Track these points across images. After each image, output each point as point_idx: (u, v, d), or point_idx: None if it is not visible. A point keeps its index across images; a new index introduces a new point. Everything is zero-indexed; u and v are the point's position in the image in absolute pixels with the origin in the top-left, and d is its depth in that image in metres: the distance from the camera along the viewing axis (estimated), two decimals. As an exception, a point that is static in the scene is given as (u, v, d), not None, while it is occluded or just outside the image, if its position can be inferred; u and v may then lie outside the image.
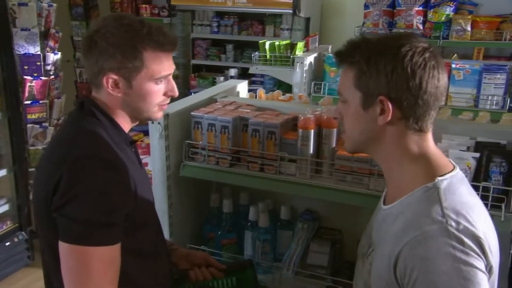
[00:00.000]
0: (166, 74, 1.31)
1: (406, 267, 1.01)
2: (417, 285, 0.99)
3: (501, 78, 3.09)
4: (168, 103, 1.40)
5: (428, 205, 1.04)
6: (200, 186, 2.01)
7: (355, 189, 1.61)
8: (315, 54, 3.83)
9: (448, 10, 4.53)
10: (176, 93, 1.36)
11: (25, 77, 3.49)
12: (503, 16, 4.44)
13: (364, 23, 4.78)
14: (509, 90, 3.19)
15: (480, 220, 1.04)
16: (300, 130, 1.67)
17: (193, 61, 5.80)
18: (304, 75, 3.61)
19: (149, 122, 1.75)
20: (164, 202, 1.86)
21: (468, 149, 1.55)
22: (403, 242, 1.02)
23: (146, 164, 1.95)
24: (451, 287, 0.96)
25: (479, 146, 1.53)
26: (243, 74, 5.16)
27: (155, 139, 1.80)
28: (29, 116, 3.56)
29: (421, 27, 4.60)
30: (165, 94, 1.34)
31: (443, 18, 4.54)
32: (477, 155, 1.49)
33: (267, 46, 4.06)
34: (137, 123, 1.40)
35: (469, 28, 4.46)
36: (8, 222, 3.48)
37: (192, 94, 2.55)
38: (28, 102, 3.54)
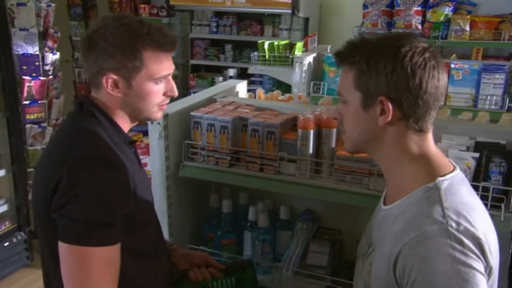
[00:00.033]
0: (165, 74, 1.31)
1: (405, 267, 1.01)
2: (415, 285, 0.99)
3: (500, 78, 3.09)
4: (168, 103, 1.39)
5: (429, 205, 1.04)
6: (199, 186, 2.00)
7: (354, 189, 1.61)
8: (314, 54, 3.83)
9: (447, 10, 4.53)
10: (176, 93, 1.36)
11: (24, 77, 3.48)
12: (501, 16, 4.45)
13: (363, 23, 4.78)
14: (508, 90, 3.19)
15: (481, 221, 1.04)
16: (299, 130, 1.67)
17: (192, 61, 5.80)
18: (303, 75, 3.62)
19: (149, 122, 1.75)
20: (164, 202, 1.86)
21: (467, 149, 1.55)
22: (403, 242, 1.02)
23: (146, 164, 1.95)
24: None
25: (478, 146, 1.53)
26: (242, 74, 5.16)
27: (155, 139, 1.80)
28: (27, 116, 3.55)
29: (419, 27, 4.61)
30: (164, 94, 1.34)
31: (441, 18, 4.54)
32: (477, 155, 1.49)
33: (266, 46, 4.06)
34: (136, 123, 1.40)
35: (467, 28, 4.47)
36: (7, 223, 3.48)
37: (192, 94, 2.55)
38: (27, 102, 3.53)
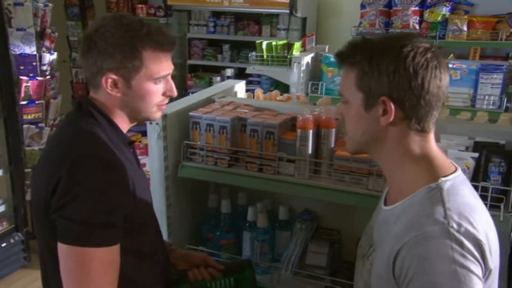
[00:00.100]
0: (165, 74, 1.31)
1: (403, 265, 1.01)
2: (411, 283, 0.99)
3: (497, 78, 3.10)
4: (167, 103, 1.39)
5: (431, 205, 1.04)
6: (198, 187, 2.00)
7: (353, 189, 1.61)
8: (312, 54, 3.84)
9: (444, 10, 4.54)
10: (175, 93, 1.36)
11: (21, 77, 3.47)
12: (499, 16, 4.46)
13: (360, 23, 4.79)
14: (506, 90, 3.21)
15: (482, 222, 1.04)
16: (298, 130, 1.67)
17: (190, 61, 5.80)
18: (301, 75, 3.62)
19: (147, 123, 1.75)
20: (162, 202, 1.85)
21: (466, 149, 1.55)
22: (403, 242, 1.02)
23: (144, 164, 1.95)
24: None
25: (477, 146, 1.54)
26: (240, 74, 5.15)
27: (153, 140, 1.79)
28: (25, 117, 3.54)
29: (417, 27, 4.62)
30: (164, 94, 1.34)
31: (439, 18, 4.55)
32: (476, 155, 1.50)
33: (264, 46, 4.06)
34: (135, 123, 1.40)
35: (465, 28, 4.48)
36: (4, 223, 3.46)
37: (190, 94, 2.55)
38: (24, 102, 3.52)
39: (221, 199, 1.97)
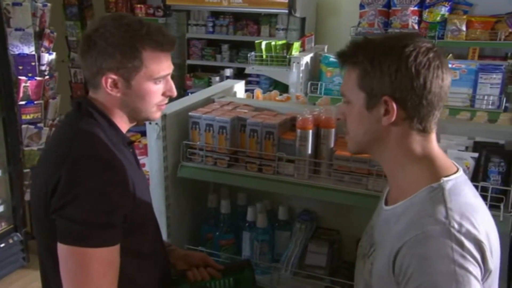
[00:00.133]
0: (165, 74, 1.31)
1: (402, 264, 1.01)
2: (410, 282, 0.99)
3: (497, 78, 3.10)
4: (166, 104, 1.39)
5: (432, 205, 1.04)
6: (197, 187, 2.00)
7: (353, 189, 1.61)
8: (311, 54, 3.83)
9: (443, 10, 4.55)
10: (175, 93, 1.36)
11: (20, 77, 3.47)
12: (498, 16, 4.47)
13: (359, 23, 4.80)
14: (505, 90, 3.21)
15: (484, 222, 1.04)
16: (298, 131, 1.67)
17: (188, 61, 5.79)
18: (301, 75, 3.62)
19: (147, 123, 1.74)
20: (162, 203, 1.85)
21: (466, 149, 1.55)
22: (404, 240, 1.02)
23: (144, 164, 1.94)
24: None
25: (477, 146, 1.54)
26: (239, 74, 5.16)
27: (153, 140, 1.79)
28: (23, 117, 3.54)
29: (416, 27, 4.62)
30: (163, 94, 1.34)
31: (438, 18, 4.56)
32: (476, 155, 1.50)
33: (263, 46, 4.05)
34: (135, 123, 1.39)
35: (464, 28, 4.48)
36: (3, 224, 3.46)
37: (189, 94, 2.54)
38: (23, 102, 3.51)
39: (220, 199, 1.97)
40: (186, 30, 5.69)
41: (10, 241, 3.45)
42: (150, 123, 1.76)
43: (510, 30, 4.39)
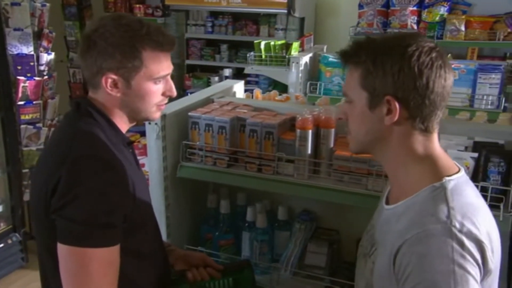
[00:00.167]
0: (165, 74, 1.31)
1: (402, 262, 1.01)
2: (409, 279, 0.99)
3: (496, 78, 3.10)
4: (166, 104, 1.39)
5: (434, 204, 1.04)
6: (197, 187, 2.00)
7: (353, 189, 1.61)
8: (310, 54, 3.83)
9: (442, 10, 4.55)
10: (175, 93, 1.36)
11: (19, 77, 3.46)
12: (496, 16, 4.47)
13: (358, 23, 4.79)
14: (504, 90, 3.21)
15: (485, 222, 1.04)
16: (298, 131, 1.67)
17: (187, 61, 5.79)
18: (300, 75, 3.61)
19: (146, 123, 1.74)
20: (161, 203, 1.85)
21: (466, 149, 1.55)
22: (405, 238, 1.02)
23: (143, 165, 1.94)
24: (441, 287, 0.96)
25: (477, 146, 1.54)
26: (238, 74, 5.15)
27: (152, 140, 1.79)
28: (22, 117, 3.53)
29: (415, 27, 4.62)
30: (163, 94, 1.33)
31: (437, 18, 4.56)
32: (475, 155, 1.50)
33: (262, 46, 4.05)
34: (134, 123, 1.39)
35: (463, 28, 4.49)
36: (2, 224, 3.46)
37: (188, 94, 2.54)
38: (22, 102, 3.51)
39: (220, 199, 1.97)
40: (185, 30, 5.68)
41: (9, 241, 3.45)
42: (149, 123, 1.75)
43: (509, 30, 4.40)
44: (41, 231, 1.28)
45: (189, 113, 1.81)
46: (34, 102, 3.57)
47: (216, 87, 2.28)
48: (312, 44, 4.26)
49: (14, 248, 3.49)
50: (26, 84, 3.50)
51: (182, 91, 5.33)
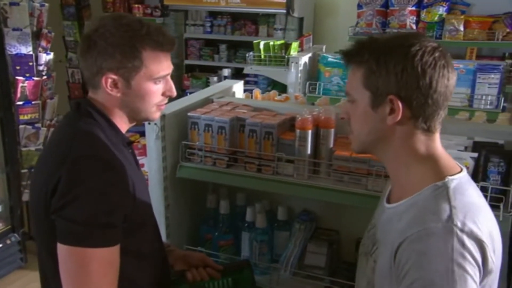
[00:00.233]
0: (165, 74, 1.31)
1: (402, 258, 1.01)
2: (407, 276, 0.99)
3: (495, 78, 3.10)
4: (166, 104, 1.39)
5: (436, 203, 1.04)
6: (196, 187, 1.99)
7: (352, 190, 1.61)
8: (310, 54, 3.83)
9: (441, 10, 4.55)
10: (174, 93, 1.36)
11: (17, 77, 3.45)
12: (495, 16, 4.48)
13: (357, 23, 4.79)
14: (503, 89, 3.21)
15: (487, 222, 1.04)
16: (297, 131, 1.67)
17: (186, 61, 5.78)
18: (299, 75, 3.61)
19: (146, 123, 1.74)
20: (161, 203, 1.85)
21: (466, 149, 1.55)
22: (405, 236, 1.02)
23: (143, 165, 1.94)
24: (439, 286, 0.96)
25: (477, 146, 1.54)
26: (237, 74, 5.15)
27: (152, 140, 1.79)
28: (21, 117, 3.53)
29: (414, 27, 4.62)
30: (163, 94, 1.33)
31: (436, 18, 4.56)
32: (475, 155, 1.50)
33: (261, 46, 4.04)
34: (134, 123, 1.39)
35: (461, 28, 4.49)
36: (1, 224, 3.46)
37: (188, 94, 2.54)
38: (20, 102, 3.50)
39: (219, 199, 1.96)
40: (184, 30, 5.68)
41: (8, 241, 3.44)
42: (149, 123, 1.75)
43: (507, 30, 4.40)
44: (41, 231, 1.27)
45: (189, 113, 1.81)
46: (33, 102, 3.57)
47: (216, 87, 2.28)
48: (311, 44, 4.25)
49: (13, 249, 3.49)
50: (25, 84, 3.49)
51: (181, 91, 5.33)
